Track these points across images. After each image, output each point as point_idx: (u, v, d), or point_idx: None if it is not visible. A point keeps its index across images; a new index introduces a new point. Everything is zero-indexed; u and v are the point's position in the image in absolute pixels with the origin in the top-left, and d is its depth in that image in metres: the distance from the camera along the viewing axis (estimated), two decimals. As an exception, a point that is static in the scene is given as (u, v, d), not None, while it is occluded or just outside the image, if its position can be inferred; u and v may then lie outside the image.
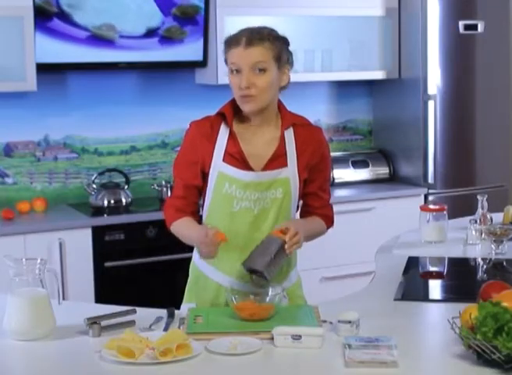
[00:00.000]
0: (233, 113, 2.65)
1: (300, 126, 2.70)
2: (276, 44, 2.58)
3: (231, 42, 2.58)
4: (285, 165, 2.64)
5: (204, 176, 2.66)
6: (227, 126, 2.64)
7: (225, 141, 2.63)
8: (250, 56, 2.53)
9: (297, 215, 2.80)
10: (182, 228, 2.67)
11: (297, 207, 2.76)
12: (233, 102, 2.65)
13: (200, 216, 2.73)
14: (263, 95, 2.57)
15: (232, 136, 2.63)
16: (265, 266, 2.46)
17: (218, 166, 2.62)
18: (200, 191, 2.70)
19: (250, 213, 2.63)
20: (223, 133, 2.64)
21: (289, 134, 2.67)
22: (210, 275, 2.71)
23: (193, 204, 2.71)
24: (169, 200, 2.76)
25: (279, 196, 2.64)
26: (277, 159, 2.64)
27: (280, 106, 2.69)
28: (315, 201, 2.75)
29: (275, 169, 2.63)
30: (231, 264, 2.65)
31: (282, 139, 2.65)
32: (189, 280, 2.81)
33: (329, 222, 2.81)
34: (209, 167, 2.63)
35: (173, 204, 2.71)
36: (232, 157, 2.61)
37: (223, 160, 2.61)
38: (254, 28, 2.59)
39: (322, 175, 2.74)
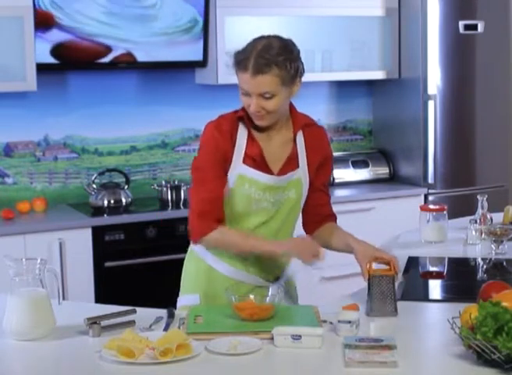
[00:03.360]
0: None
1: (307, 126, 2.74)
2: (284, 68, 2.52)
3: (239, 63, 2.54)
4: (297, 166, 2.69)
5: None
6: (245, 127, 2.65)
7: (245, 143, 2.64)
8: (258, 86, 2.52)
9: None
10: (238, 239, 2.63)
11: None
12: None
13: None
14: (273, 115, 2.60)
15: (251, 138, 2.64)
16: (395, 307, 2.46)
17: (238, 168, 2.63)
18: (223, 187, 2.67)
19: (266, 213, 2.67)
20: (242, 134, 2.65)
21: (300, 136, 2.72)
22: (213, 264, 2.73)
23: (221, 209, 2.64)
24: (196, 206, 2.65)
25: (292, 197, 2.69)
26: (291, 161, 2.68)
27: (291, 108, 2.71)
28: (320, 199, 2.80)
29: (291, 172, 2.68)
30: (235, 256, 2.68)
31: (295, 141, 2.70)
32: (189, 271, 2.81)
33: (336, 220, 2.88)
34: (229, 166, 2.63)
35: (204, 211, 2.62)
36: (252, 159, 2.63)
37: (243, 162, 2.63)
38: (263, 47, 2.51)
39: (326, 172, 2.81)
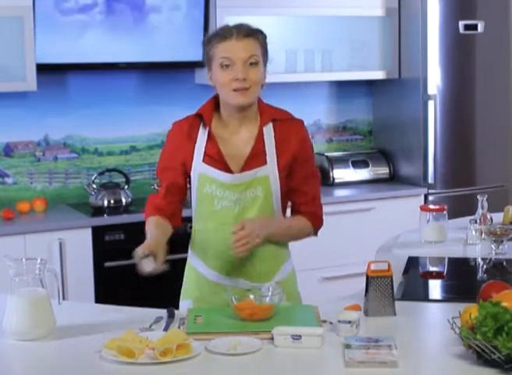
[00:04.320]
0: (212, 113, 2.65)
1: (280, 121, 2.68)
2: (263, 40, 2.60)
3: (220, 36, 2.56)
4: (264, 163, 2.63)
5: (188, 175, 2.69)
6: (205, 126, 2.65)
7: (204, 142, 2.64)
8: (245, 49, 2.53)
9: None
10: (147, 227, 2.68)
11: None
12: (212, 102, 2.66)
13: (187, 217, 2.76)
14: (255, 88, 2.58)
15: (210, 137, 2.64)
16: (393, 308, 2.45)
17: (199, 167, 2.64)
18: (184, 189, 2.71)
19: (230, 212, 2.64)
20: (202, 134, 2.65)
21: (269, 131, 2.65)
22: (201, 270, 2.75)
23: (173, 203, 2.69)
24: (151, 196, 2.75)
25: (259, 194, 2.64)
26: (256, 158, 2.63)
27: (259, 103, 2.68)
28: (298, 198, 2.72)
29: (254, 169, 2.63)
30: (216, 260, 2.69)
31: (261, 136, 2.64)
32: (184, 277, 2.84)
33: (317, 220, 2.75)
34: (190, 167, 2.65)
35: (154, 201, 2.71)
36: (211, 158, 2.63)
37: (203, 161, 2.64)
38: (237, 23, 2.59)
39: (303, 169, 2.70)
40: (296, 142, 2.68)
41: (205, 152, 2.64)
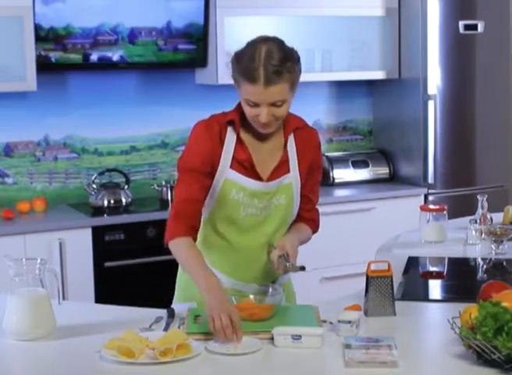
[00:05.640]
0: (240, 119, 2.56)
1: (299, 128, 2.67)
2: (292, 72, 2.45)
3: (245, 75, 2.42)
4: (288, 171, 2.62)
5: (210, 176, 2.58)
6: (234, 131, 2.57)
7: (233, 147, 2.56)
8: (270, 96, 2.42)
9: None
10: (188, 263, 2.51)
11: None
12: (239, 109, 2.56)
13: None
14: (280, 120, 2.53)
15: (240, 142, 2.56)
16: (393, 308, 2.46)
17: (225, 172, 2.56)
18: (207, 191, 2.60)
19: (255, 219, 2.61)
20: (230, 138, 2.56)
21: (291, 140, 2.64)
22: None
23: (197, 211, 2.57)
24: (175, 206, 2.56)
25: (282, 202, 2.63)
26: (282, 166, 2.61)
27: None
28: (305, 204, 2.72)
29: (281, 177, 2.61)
30: (232, 266, 2.66)
31: (286, 145, 2.63)
32: (183, 281, 2.79)
33: (315, 226, 2.78)
34: (216, 170, 2.56)
35: (179, 213, 2.53)
36: (241, 164, 2.56)
37: (230, 167, 2.56)
38: (267, 55, 2.42)
39: (314, 177, 2.72)
40: (313, 150, 2.69)
41: (234, 158, 2.56)
